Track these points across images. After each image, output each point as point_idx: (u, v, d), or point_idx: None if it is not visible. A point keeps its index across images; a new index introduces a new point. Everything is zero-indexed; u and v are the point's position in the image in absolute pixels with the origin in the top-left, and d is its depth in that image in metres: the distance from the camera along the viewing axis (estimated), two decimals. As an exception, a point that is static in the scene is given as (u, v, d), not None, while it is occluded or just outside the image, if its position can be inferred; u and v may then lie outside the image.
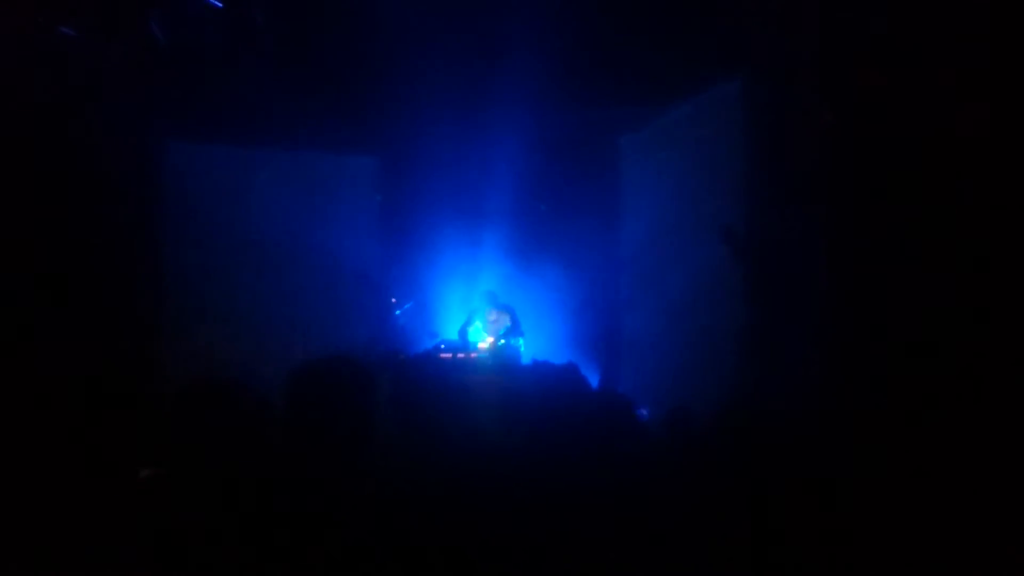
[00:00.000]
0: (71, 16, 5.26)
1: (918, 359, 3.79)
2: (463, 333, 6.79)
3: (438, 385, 2.38)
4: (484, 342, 6.68)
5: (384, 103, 6.59)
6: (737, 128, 5.40)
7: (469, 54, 5.77)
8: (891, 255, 4.06)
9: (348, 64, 6.08)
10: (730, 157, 5.48)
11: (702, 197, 5.88)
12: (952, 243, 3.74)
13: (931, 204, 3.89)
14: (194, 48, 5.59)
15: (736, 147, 5.39)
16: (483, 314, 6.82)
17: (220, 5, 5.37)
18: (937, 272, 3.81)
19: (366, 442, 2.06)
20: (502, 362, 6.32)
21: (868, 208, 4.29)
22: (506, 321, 6.75)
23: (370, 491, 1.91)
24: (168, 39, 5.53)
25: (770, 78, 5.09)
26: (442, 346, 6.45)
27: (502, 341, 6.58)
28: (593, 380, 6.71)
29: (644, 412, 5.25)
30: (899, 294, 3.97)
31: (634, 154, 7.28)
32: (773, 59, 5.00)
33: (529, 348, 6.84)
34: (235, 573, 1.73)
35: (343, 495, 1.87)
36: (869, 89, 4.26)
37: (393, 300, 7.28)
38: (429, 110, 6.37)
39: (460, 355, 6.28)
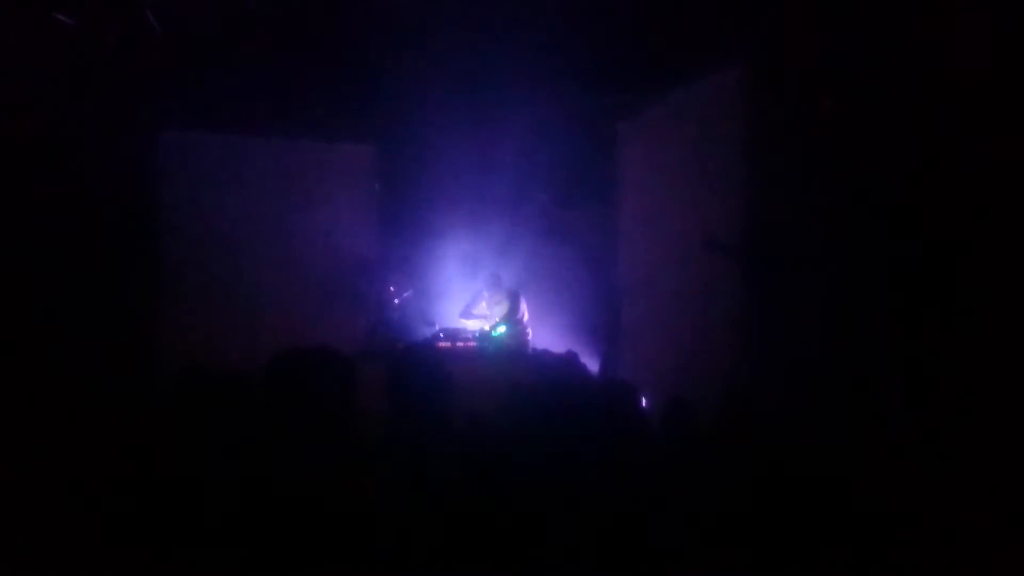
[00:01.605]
0: (66, 3, 5.22)
1: (920, 352, 3.78)
2: (466, 313, 6.77)
3: (435, 374, 2.37)
4: (485, 324, 6.64)
5: (382, 91, 6.55)
6: (736, 115, 5.37)
7: (467, 40, 5.73)
8: (894, 242, 4.05)
9: (345, 50, 6.05)
10: (729, 144, 5.45)
11: (701, 184, 5.86)
12: (955, 238, 3.72)
13: (933, 194, 3.87)
14: (189, 36, 5.56)
15: (735, 134, 5.36)
16: (487, 295, 6.82)
17: (215, -8, 5.34)
18: (939, 261, 3.79)
19: (347, 430, 2.06)
20: (502, 351, 6.29)
21: (869, 196, 4.27)
22: (507, 306, 6.72)
23: (365, 480, 1.91)
24: (163, 26, 5.50)
25: (770, 65, 5.06)
26: (441, 335, 6.43)
27: (502, 328, 6.55)
28: (592, 368, 6.71)
29: (643, 400, 5.24)
30: (902, 282, 3.96)
31: (632, 140, 7.25)
32: (773, 46, 4.97)
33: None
34: (226, 567, 1.73)
35: (333, 484, 1.86)
36: (869, 77, 4.24)
37: (392, 289, 7.26)
38: (427, 97, 6.33)
39: (459, 344, 6.26)
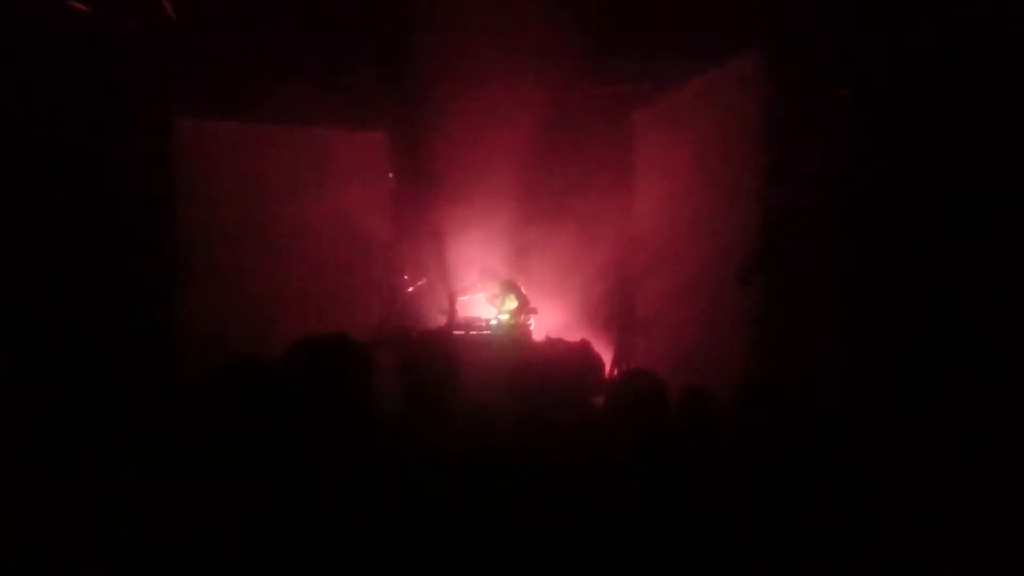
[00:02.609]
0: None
1: (940, 345, 3.73)
2: (451, 311, 6.71)
3: (449, 362, 2.36)
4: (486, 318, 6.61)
5: (396, 78, 6.53)
6: (754, 102, 5.32)
7: (482, 27, 5.68)
8: (911, 233, 4.00)
9: (359, 38, 6.02)
10: (745, 131, 5.40)
11: (718, 172, 5.81)
12: (979, 231, 3.67)
13: (951, 184, 3.81)
14: (204, 23, 5.55)
15: (752, 121, 5.31)
16: (483, 290, 6.79)
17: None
18: (957, 252, 3.74)
19: (363, 419, 2.06)
20: (513, 339, 6.26)
21: (887, 185, 4.22)
22: (509, 298, 6.68)
23: (375, 468, 1.90)
24: (179, 14, 5.50)
25: (786, 52, 5.00)
26: (454, 323, 6.42)
27: (507, 317, 6.52)
28: (606, 358, 6.68)
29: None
30: (920, 272, 3.91)
31: (649, 129, 7.20)
32: (789, 33, 4.91)
33: (541, 325, 6.81)
34: (244, 552, 1.73)
35: (344, 472, 1.86)
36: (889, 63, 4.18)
37: (405, 277, 7.27)
38: (441, 85, 6.30)
39: (472, 332, 6.25)
